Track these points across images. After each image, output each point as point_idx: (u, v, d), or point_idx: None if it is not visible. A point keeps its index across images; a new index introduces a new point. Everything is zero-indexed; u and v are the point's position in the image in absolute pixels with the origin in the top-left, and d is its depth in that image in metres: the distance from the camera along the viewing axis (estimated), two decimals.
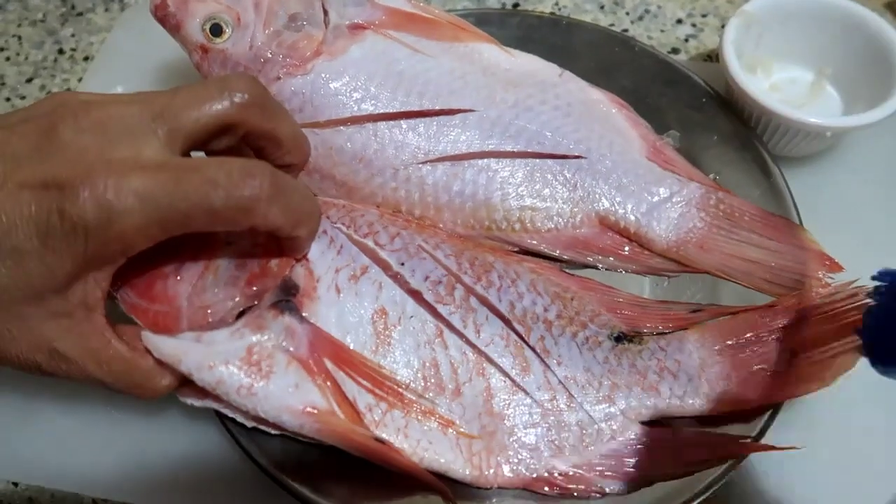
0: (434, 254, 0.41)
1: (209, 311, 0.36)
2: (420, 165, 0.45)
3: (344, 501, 0.38)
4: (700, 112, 0.50)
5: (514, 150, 0.45)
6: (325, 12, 0.47)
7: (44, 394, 0.45)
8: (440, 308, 0.39)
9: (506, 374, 0.39)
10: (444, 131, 0.45)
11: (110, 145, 0.32)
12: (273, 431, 0.37)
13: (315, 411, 0.36)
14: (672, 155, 0.47)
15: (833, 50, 0.51)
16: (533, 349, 0.39)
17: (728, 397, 0.39)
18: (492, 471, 0.37)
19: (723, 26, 0.60)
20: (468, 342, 0.39)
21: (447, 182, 0.45)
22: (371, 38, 0.47)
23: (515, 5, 0.63)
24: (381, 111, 0.45)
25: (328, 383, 0.37)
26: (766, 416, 0.39)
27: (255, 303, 0.37)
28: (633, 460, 0.38)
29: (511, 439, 0.38)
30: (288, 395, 0.36)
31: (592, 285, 0.43)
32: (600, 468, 0.38)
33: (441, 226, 0.45)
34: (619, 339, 0.41)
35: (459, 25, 0.48)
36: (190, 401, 0.37)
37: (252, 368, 0.36)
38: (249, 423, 0.37)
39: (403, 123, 0.45)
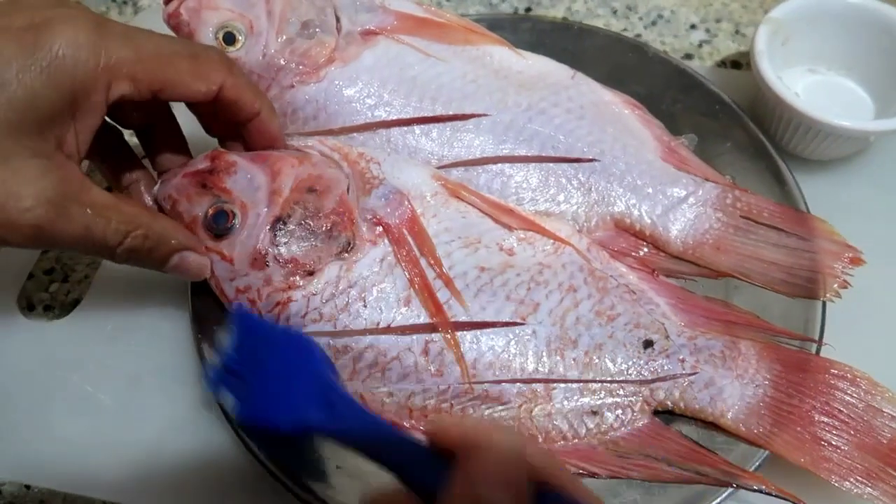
0: None
1: None
2: None
3: None
4: (714, 119, 0.49)
5: (528, 154, 0.45)
6: (338, 19, 0.47)
7: (56, 397, 0.45)
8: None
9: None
10: (457, 136, 0.45)
11: None
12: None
13: None
14: (687, 155, 0.46)
15: (864, 53, 0.50)
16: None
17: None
18: None
19: (737, 31, 0.60)
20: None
21: None
22: (383, 44, 0.47)
23: (528, 10, 0.63)
24: (395, 117, 0.45)
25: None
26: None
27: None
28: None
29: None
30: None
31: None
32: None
33: None
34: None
35: (471, 28, 0.48)
36: None
37: None
38: None
39: (417, 129, 0.45)
